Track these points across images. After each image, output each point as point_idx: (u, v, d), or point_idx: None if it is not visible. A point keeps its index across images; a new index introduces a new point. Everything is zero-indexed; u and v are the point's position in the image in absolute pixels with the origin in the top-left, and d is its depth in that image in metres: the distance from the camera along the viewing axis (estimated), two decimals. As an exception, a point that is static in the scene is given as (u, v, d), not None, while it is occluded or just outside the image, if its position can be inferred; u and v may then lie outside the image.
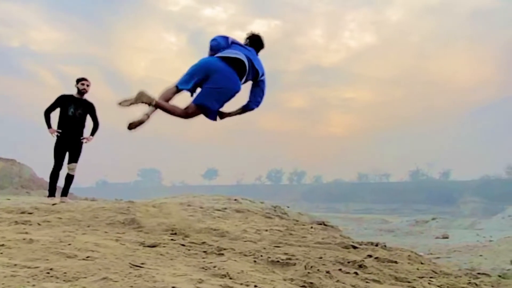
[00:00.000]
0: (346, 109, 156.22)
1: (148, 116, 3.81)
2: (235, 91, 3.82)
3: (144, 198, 9.45)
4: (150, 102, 3.76)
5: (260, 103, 4.13)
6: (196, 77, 3.80)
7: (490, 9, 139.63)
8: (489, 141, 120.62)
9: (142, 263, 1.49)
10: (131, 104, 3.83)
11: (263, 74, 4.07)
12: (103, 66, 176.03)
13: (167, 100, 3.88)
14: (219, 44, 4.01)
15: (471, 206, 71.59)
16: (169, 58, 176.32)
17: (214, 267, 1.63)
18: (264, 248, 2.81)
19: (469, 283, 2.13)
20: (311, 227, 5.12)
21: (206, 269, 1.54)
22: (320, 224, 8.24)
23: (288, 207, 8.76)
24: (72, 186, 6.55)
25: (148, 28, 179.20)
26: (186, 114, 3.91)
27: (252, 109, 4.14)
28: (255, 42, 4.20)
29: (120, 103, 3.87)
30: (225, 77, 3.75)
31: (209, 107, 3.80)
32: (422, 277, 2.17)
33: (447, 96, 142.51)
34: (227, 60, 3.81)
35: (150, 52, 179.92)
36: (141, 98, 3.77)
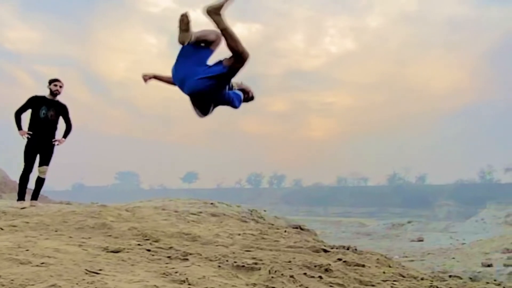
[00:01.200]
0: (326, 113, 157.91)
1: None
2: None
3: (121, 202, 9.29)
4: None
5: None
6: None
7: (464, 18, 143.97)
8: (463, 146, 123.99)
9: (100, 269, 1.47)
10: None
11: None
12: (81, 67, 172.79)
13: None
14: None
15: (446, 210, 73.31)
16: (149, 60, 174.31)
17: (176, 272, 1.61)
18: (233, 253, 2.81)
19: (431, 286, 2.18)
20: (285, 231, 5.14)
21: (166, 275, 1.53)
22: (296, 228, 8.28)
23: (265, 210, 8.77)
24: (47, 189, 6.42)
25: (128, 29, 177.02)
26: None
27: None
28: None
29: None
30: None
31: None
32: (386, 281, 2.20)
33: (423, 102, 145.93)
34: None
35: (129, 53, 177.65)
36: None
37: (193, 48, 3.33)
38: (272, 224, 6.51)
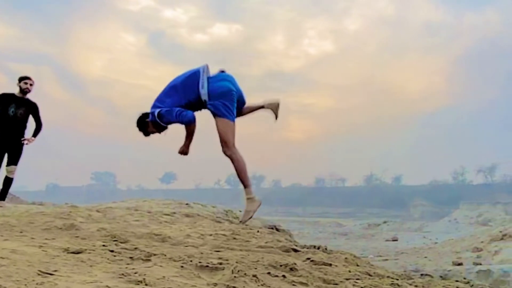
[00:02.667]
0: (305, 114, 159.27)
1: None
2: None
3: (97, 203, 9.12)
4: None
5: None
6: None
7: (440, 23, 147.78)
8: (438, 147, 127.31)
9: (55, 270, 1.44)
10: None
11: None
12: (57, 65, 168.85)
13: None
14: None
15: (420, 210, 75.03)
16: (127, 59, 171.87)
17: (135, 273, 1.60)
18: (201, 253, 2.80)
19: (392, 284, 2.23)
20: (257, 231, 5.15)
21: (124, 276, 1.51)
22: (272, 228, 8.31)
23: (240, 211, 8.75)
24: (20, 189, 6.29)
25: (105, 27, 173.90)
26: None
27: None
28: None
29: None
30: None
31: None
32: (349, 279, 2.24)
33: (400, 104, 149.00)
34: None
35: (107, 51, 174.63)
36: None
37: None
38: (247, 225, 6.50)
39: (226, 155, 3.95)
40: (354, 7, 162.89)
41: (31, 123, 6.18)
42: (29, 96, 6.12)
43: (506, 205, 47.63)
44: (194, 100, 4.05)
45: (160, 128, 4.21)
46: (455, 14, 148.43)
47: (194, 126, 4.04)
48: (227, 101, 4.03)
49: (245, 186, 3.99)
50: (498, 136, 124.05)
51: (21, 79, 6.03)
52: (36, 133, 6.16)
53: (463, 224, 33.99)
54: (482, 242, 15.78)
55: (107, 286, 1.28)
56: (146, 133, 4.19)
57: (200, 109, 4.19)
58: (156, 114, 4.12)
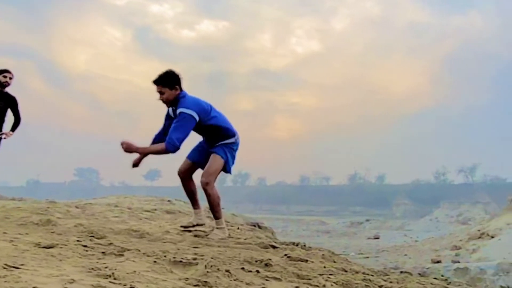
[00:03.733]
0: (291, 113, 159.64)
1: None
2: None
3: (79, 199, 8.98)
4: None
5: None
6: None
7: (425, 25, 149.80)
8: (420, 147, 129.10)
9: (22, 264, 1.43)
10: None
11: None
12: (39, 59, 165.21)
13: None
14: None
15: (403, 209, 76.14)
16: (112, 54, 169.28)
17: (106, 268, 1.60)
18: (178, 249, 2.80)
19: (364, 279, 2.27)
20: (238, 228, 5.17)
21: (94, 270, 1.51)
22: (254, 225, 8.34)
23: (223, 208, 8.74)
24: (0, 185, 6.11)
25: (90, 20, 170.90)
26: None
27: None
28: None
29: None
30: None
31: None
32: (322, 274, 2.27)
33: (384, 104, 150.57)
34: None
35: (91, 46, 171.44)
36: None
37: None
38: (228, 222, 6.50)
39: (204, 187, 3.92)
40: (341, 7, 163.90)
41: (9, 117, 6.06)
42: (8, 89, 5.99)
43: (486, 205, 48.77)
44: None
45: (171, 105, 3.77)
46: (440, 16, 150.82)
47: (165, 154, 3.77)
48: (233, 151, 4.11)
49: (217, 218, 3.99)
50: (479, 137, 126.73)
51: (0, 72, 5.90)
52: (14, 127, 6.03)
53: (444, 223, 34.67)
54: (460, 240, 16.15)
55: (72, 279, 1.27)
56: (161, 92, 3.57)
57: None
58: (190, 112, 3.63)
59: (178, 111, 3.64)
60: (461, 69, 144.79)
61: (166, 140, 3.62)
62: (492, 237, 15.04)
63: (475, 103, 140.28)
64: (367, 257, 14.37)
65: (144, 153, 3.81)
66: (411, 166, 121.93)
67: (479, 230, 16.40)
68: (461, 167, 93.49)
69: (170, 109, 3.87)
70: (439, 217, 38.71)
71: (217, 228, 4.02)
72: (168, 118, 3.93)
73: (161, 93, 3.69)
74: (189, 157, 4.05)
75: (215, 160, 3.95)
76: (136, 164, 3.95)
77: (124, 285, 1.31)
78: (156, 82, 3.69)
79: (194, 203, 4.15)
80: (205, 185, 3.91)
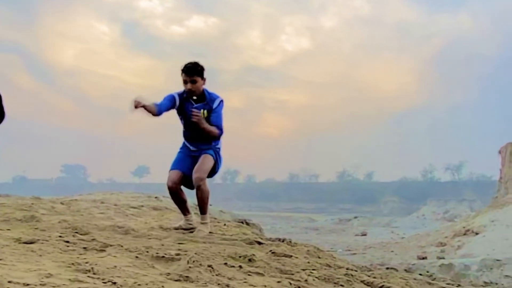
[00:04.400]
0: (280, 110, 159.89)
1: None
2: None
3: (65, 196, 8.87)
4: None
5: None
6: None
7: (413, 24, 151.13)
8: (408, 145, 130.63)
9: (0, 259, 1.42)
10: None
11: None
12: (25, 53, 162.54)
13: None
14: None
15: (390, 206, 76.96)
16: (100, 49, 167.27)
17: (86, 263, 1.59)
18: (162, 245, 2.80)
19: (346, 274, 2.29)
20: (224, 225, 5.18)
21: (73, 265, 1.50)
22: (241, 222, 8.35)
23: (210, 205, 8.73)
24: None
25: (78, 15, 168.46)
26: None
27: None
28: None
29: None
30: None
31: None
32: (305, 269, 2.29)
33: (372, 102, 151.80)
34: None
35: (79, 41, 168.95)
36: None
37: None
38: (215, 218, 6.51)
39: (198, 183, 3.94)
40: (330, 5, 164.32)
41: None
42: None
43: (471, 202, 49.59)
44: None
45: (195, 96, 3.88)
46: (428, 15, 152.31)
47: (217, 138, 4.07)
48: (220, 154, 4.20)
49: (204, 213, 4.01)
50: (465, 136, 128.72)
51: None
52: (-2, 122, 5.95)
53: (430, 220, 35.15)
54: (446, 237, 16.40)
55: (49, 273, 1.27)
56: (193, 81, 3.74)
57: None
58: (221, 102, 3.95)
59: (218, 100, 3.92)
60: (449, 68, 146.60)
61: (218, 128, 3.91)
62: (477, 233, 15.31)
63: (461, 102, 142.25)
64: (354, 254, 14.50)
65: (203, 128, 3.87)
66: (399, 163, 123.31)
67: (464, 227, 16.67)
68: (448, 165, 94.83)
69: (181, 96, 3.90)
70: (426, 214, 39.21)
71: (202, 223, 4.03)
72: (171, 102, 3.89)
73: (193, 81, 3.79)
74: (178, 168, 4.05)
75: (208, 159, 4.02)
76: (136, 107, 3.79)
77: (103, 280, 1.31)
78: (192, 71, 3.79)
79: (185, 210, 4.18)
80: (200, 181, 3.95)
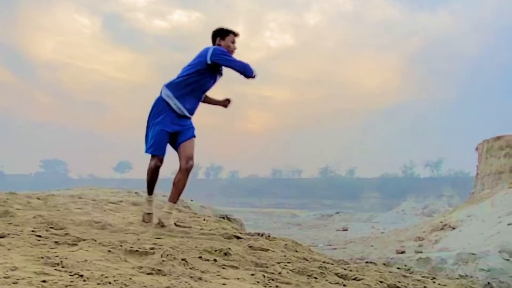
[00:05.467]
0: (264, 106, 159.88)
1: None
2: None
3: (43, 191, 8.70)
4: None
5: (247, 77, 4.07)
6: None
7: (395, 22, 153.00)
8: (389, 142, 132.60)
9: (-36, 254, 1.39)
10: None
11: (207, 57, 3.86)
12: (3, 46, 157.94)
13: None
14: None
15: (372, 202, 78.11)
16: (80, 42, 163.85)
17: (56, 257, 1.57)
18: (138, 240, 2.78)
19: (320, 267, 2.32)
20: (204, 220, 5.18)
21: (42, 259, 1.48)
22: (223, 217, 8.36)
23: (192, 200, 8.73)
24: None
25: (57, 7, 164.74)
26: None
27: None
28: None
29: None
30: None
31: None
32: (280, 263, 2.31)
33: (355, 99, 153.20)
34: None
35: (58, 33, 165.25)
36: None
37: None
38: (195, 213, 6.50)
39: (189, 171, 3.91)
40: (314, 2, 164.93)
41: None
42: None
43: (450, 198, 50.80)
44: None
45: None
46: (409, 13, 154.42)
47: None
48: None
49: (174, 202, 3.96)
50: (444, 133, 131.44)
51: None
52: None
53: (410, 215, 35.86)
54: (424, 232, 16.75)
55: (15, 267, 1.25)
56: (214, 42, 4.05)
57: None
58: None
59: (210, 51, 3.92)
60: (429, 66, 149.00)
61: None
62: (454, 228, 15.68)
63: (441, 100, 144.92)
64: (335, 248, 14.69)
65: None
66: (380, 160, 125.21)
67: (441, 222, 17.05)
68: (427, 161, 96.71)
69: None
70: (406, 210, 39.97)
71: (167, 212, 3.93)
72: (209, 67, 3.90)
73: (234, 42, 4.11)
74: (162, 153, 4.00)
75: (193, 144, 4.00)
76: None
77: (70, 273, 1.30)
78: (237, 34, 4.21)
79: (153, 189, 4.11)
80: (191, 168, 3.89)
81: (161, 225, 3.83)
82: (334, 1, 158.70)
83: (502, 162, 19.38)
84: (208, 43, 4.18)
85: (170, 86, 3.88)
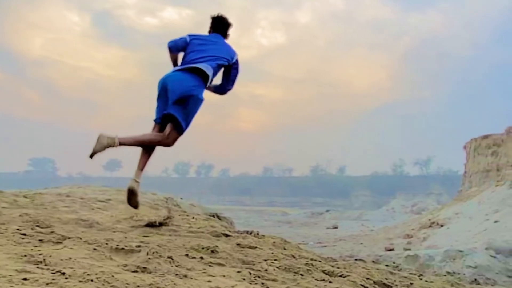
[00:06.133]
0: (255, 105, 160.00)
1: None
2: (184, 94, 3.50)
3: (30, 189, 8.58)
4: (113, 144, 3.39)
5: (229, 90, 3.96)
6: (159, 104, 3.60)
7: (386, 21, 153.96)
8: (379, 141, 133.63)
9: None
10: (97, 151, 3.42)
11: (233, 60, 3.84)
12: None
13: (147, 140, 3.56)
14: (176, 44, 3.75)
15: (362, 199, 78.66)
16: (70, 39, 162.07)
17: (40, 255, 1.56)
18: (125, 238, 2.77)
19: (307, 264, 2.34)
20: (193, 218, 5.17)
21: (25, 257, 1.47)
22: (213, 215, 8.34)
23: (181, 198, 8.70)
24: None
25: (46, 4, 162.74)
26: (167, 140, 3.56)
27: (221, 93, 3.98)
28: (219, 24, 4.08)
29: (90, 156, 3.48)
30: (177, 83, 3.53)
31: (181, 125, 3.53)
32: (267, 260, 2.32)
33: (345, 98, 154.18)
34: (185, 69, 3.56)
35: (48, 30, 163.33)
36: (102, 142, 3.37)
37: None
38: (184, 212, 6.48)
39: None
40: (305, 0, 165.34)
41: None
42: None
43: (439, 196, 51.48)
44: None
45: None
46: (400, 13, 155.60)
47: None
48: None
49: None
50: (434, 132, 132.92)
51: None
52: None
53: (399, 213, 36.15)
54: (412, 229, 16.93)
55: (-5, 264, 1.24)
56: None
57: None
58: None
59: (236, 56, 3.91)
60: (419, 66, 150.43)
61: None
62: (442, 226, 15.87)
63: (431, 99, 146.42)
64: (325, 246, 14.77)
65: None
66: (370, 158, 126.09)
67: (429, 220, 17.24)
68: (417, 160, 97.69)
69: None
70: (395, 208, 40.31)
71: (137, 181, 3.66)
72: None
73: None
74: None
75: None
76: None
77: (52, 271, 1.29)
78: None
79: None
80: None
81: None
82: (326, 0, 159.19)
83: (489, 161, 19.66)
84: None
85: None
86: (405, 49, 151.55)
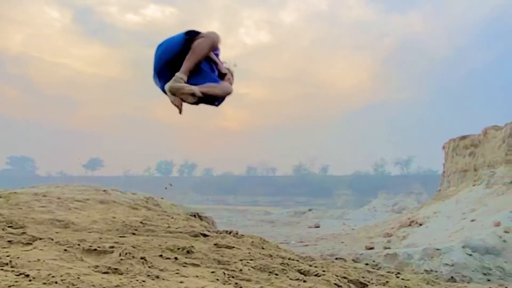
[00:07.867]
0: (239, 104, 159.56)
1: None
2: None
3: (6, 189, 8.37)
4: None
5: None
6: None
7: (368, 22, 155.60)
8: (361, 141, 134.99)
9: None
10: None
11: None
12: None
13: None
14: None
15: (344, 199, 79.47)
16: (50, 35, 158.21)
17: (7, 256, 1.53)
18: (100, 238, 2.73)
19: (282, 263, 2.35)
20: (172, 218, 5.14)
21: (-9, 259, 1.44)
22: (194, 215, 8.31)
23: (162, 198, 8.64)
24: None
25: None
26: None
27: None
28: None
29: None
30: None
31: None
32: (243, 260, 2.33)
33: (329, 98, 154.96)
34: None
35: (27, 26, 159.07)
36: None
37: None
38: (165, 212, 6.44)
39: None
40: (290, 0, 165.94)
41: None
42: None
43: (418, 195, 52.36)
44: None
45: None
46: (383, 15, 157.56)
47: None
48: None
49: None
50: (414, 132, 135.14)
51: None
52: None
53: (380, 212, 36.65)
54: (392, 228, 17.19)
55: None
56: None
57: None
58: None
59: None
60: (400, 67, 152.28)
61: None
62: (420, 224, 16.17)
63: (411, 100, 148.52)
64: (307, 245, 14.86)
65: None
66: (352, 158, 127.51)
67: (409, 219, 17.54)
68: (398, 159, 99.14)
69: None
70: (377, 207, 40.87)
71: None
72: None
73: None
74: None
75: None
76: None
77: (16, 273, 1.27)
78: None
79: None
80: None
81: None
82: (310, 1, 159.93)
83: (467, 161, 20.10)
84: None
85: None
86: (387, 50, 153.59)
